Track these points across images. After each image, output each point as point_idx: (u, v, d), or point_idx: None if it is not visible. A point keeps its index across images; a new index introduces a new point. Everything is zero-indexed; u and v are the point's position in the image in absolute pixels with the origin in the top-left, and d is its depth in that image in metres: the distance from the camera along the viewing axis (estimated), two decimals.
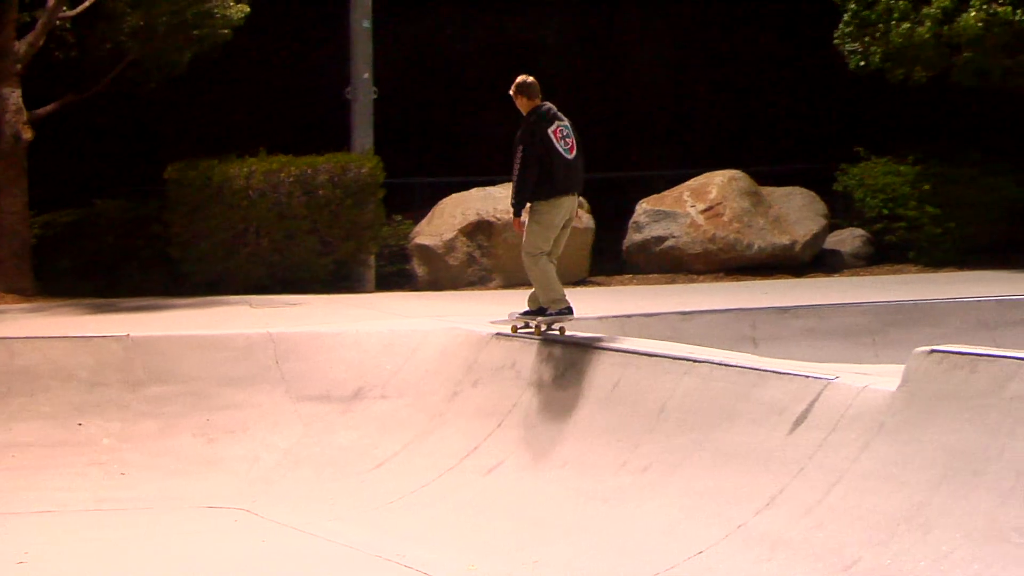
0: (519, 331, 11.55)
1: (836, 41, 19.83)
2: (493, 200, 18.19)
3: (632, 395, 10.06)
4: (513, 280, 17.10)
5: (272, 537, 9.76)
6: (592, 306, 13.94)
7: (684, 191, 19.44)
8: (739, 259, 18.94)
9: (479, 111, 20.96)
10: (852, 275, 19.01)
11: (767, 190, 19.78)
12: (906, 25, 18.86)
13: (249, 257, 17.26)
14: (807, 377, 8.92)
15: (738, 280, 18.40)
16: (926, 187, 19.54)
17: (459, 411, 11.36)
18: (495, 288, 17.80)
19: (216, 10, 17.28)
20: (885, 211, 19.72)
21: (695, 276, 18.71)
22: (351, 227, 17.51)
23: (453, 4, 23.05)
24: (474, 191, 18.75)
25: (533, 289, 11.44)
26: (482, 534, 9.46)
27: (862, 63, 19.57)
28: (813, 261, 19.45)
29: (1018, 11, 18.37)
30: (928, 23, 18.70)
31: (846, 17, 19.62)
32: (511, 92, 11.25)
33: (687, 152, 22.98)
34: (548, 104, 11.19)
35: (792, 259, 19.21)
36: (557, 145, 11.05)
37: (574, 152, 11.14)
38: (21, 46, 16.63)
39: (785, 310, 14.29)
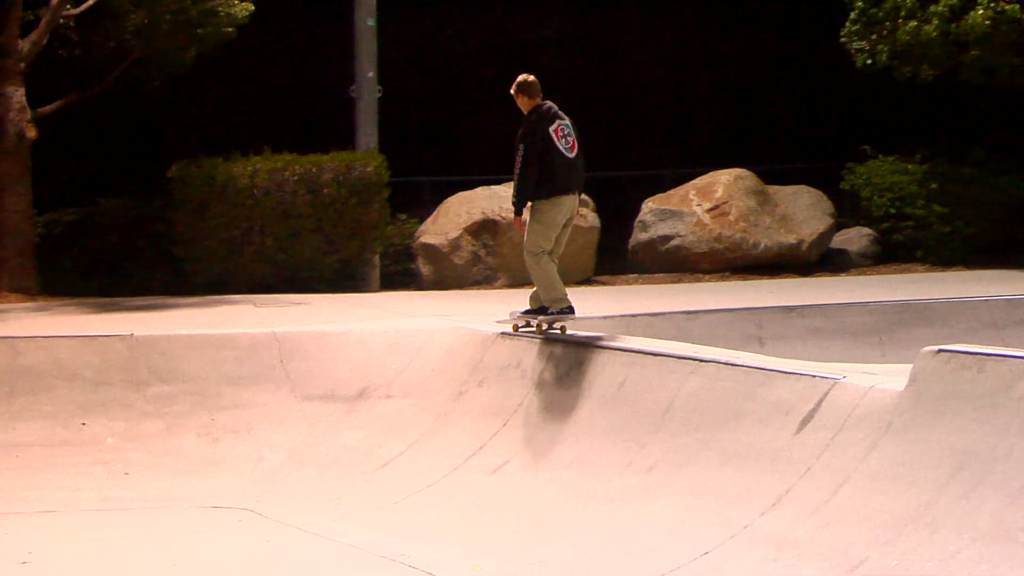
0: (520, 330, 11.55)
1: (843, 39, 19.80)
2: (498, 199, 18.13)
3: (637, 395, 10.03)
4: (518, 279, 17.04)
5: (276, 537, 9.74)
6: (597, 305, 13.91)
7: (690, 190, 19.37)
8: (745, 258, 18.88)
9: (480, 111, 20.94)
10: (859, 274, 18.96)
11: (773, 189, 19.70)
12: (913, 23, 18.81)
13: (253, 256, 17.23)
14: (814, 377, 8.88)
15: (744, 279, 18.35)
16: (933, 186, 19.47)
17: (464, 411, 11.33)
18: (500, 287, 17.76)
19: (220, 8, 17.28)
20: (892, 210, 19.66)
21: (701, 275, 18.65)
22: (356, 226, 17.49)
23: (454, 3, 23.02)
24: (479, 190, 18.70)
25: (535, 288, 11.42)
26: (487, 534, 9.44)
27: (869, 61, 19.52)
28: (820, 260, 19.38)
29: None
30: (935, 21, 18.64)
31: (853, 15, 19.58)
32: (512, 91, 11.23)
33: (688, 152, 22.93)
34: (549, 103, 11.16)
35: (799, 258, 19.15)
36: (558, 144, 11.02)
37: (575, 151, 11.11)
38: (25, 44, 16.61)
39: (791, 309, 14.25)
